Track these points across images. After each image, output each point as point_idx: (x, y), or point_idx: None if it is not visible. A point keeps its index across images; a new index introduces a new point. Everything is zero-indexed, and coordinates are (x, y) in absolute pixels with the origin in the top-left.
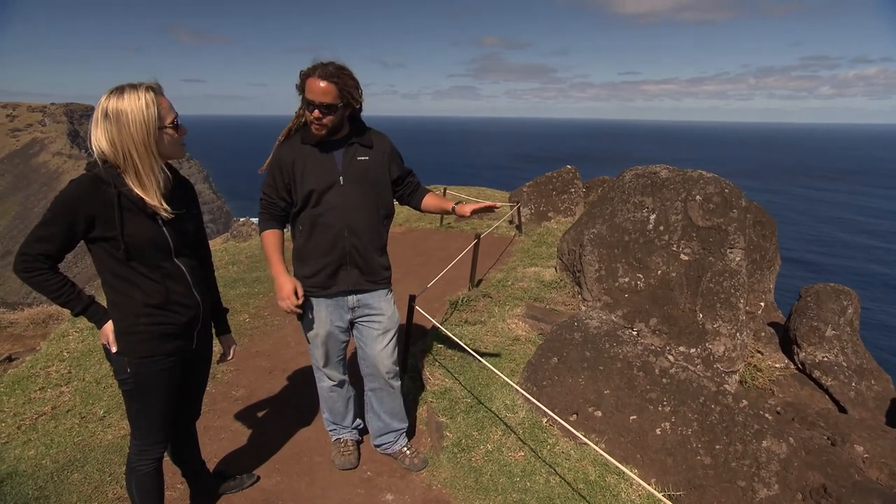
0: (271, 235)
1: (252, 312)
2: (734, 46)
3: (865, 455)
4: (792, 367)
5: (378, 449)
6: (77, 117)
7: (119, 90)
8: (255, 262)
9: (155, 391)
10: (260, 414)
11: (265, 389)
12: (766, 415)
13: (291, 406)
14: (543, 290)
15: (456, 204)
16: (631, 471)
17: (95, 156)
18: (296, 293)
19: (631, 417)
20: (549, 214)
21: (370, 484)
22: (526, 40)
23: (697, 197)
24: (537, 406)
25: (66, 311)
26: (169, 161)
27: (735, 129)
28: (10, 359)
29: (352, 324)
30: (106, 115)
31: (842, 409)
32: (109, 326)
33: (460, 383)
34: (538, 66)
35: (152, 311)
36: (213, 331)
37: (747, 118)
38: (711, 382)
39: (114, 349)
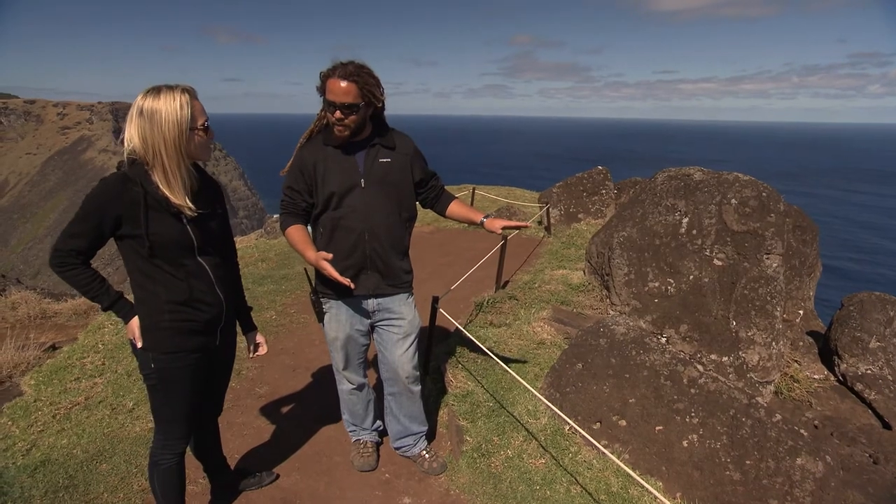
0: (296, 230)
1: (279, 310)
2: (776, 44)
3: None
4: (832, 378)
5: (397, 451)
6: (122, 115)
7: (156, 90)
8: (284, 259)
9: (178, 386)
10: (282, 412)
11: (288, 387)
12: (802, 430)
13: (314, 405)
14: (571, 294)
15: (485, 217)
16: (655, 483)
17: (126, 152)
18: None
19: (657, 428)
20: (579, 216)
21: (388, 486)
22: (559, 39)
23: (733, 200)
24: (559, 414)
25: None
26: (196, 161)
27: (776, 130)
28: (53, 347)
29: (372, 327)
30: (141, 112)
31: (886, 426)
32: (135, 322)
33: (483, 387)
34: (571, 65)
35: (175, 308)
36: (239, 328)
37: (790, 118)
38: (743, 394)
39: (139, 344)
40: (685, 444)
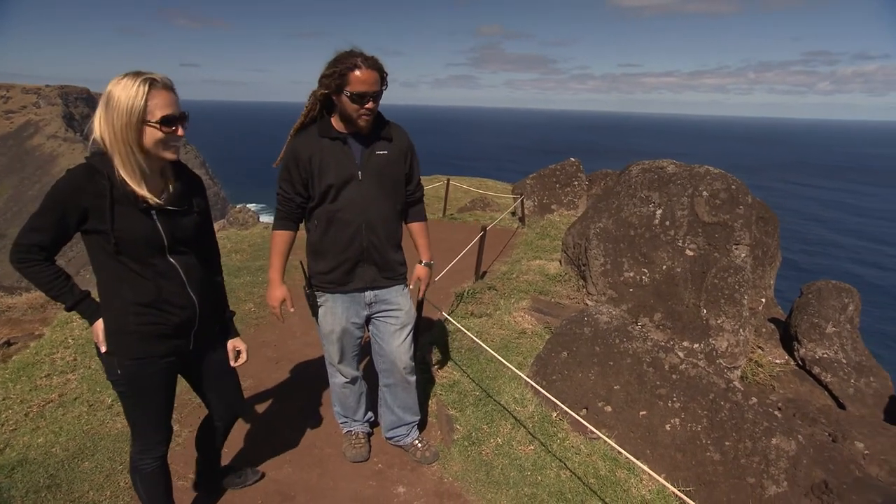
0: (282, 237)
1: (257, 302)
2: (735, 40)
3: (866, 452)
4: (792, 363)
5: (389, 441)
6: (72, 100)
7: (123, 75)
8: (257, 250)
9: (148, 392)
10: (269, 405)
11: (273, 380)
12: (776, 412)
13: (300, 397)
14: (548, 284)
15: (423, 263)
16: (641, 465)
17: (90, 140)
18: (282, 305)
19: (641, 413)
20: (552, 207)
21: (382, 476)
22: (525, 30)
23: (704, 193)
24: (552, 401)
25: None
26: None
27: (734, 124)
28: (8, 343)
29: (367, 319)
30: (104, 97)
31: (841, 406)
32: (100, 325)
33: (468, 376)
34: (538, 57)
35: (142, 310)
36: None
37: (747, 113)
38: (721, 379)
39: (103, 348)
40: (668, 427)
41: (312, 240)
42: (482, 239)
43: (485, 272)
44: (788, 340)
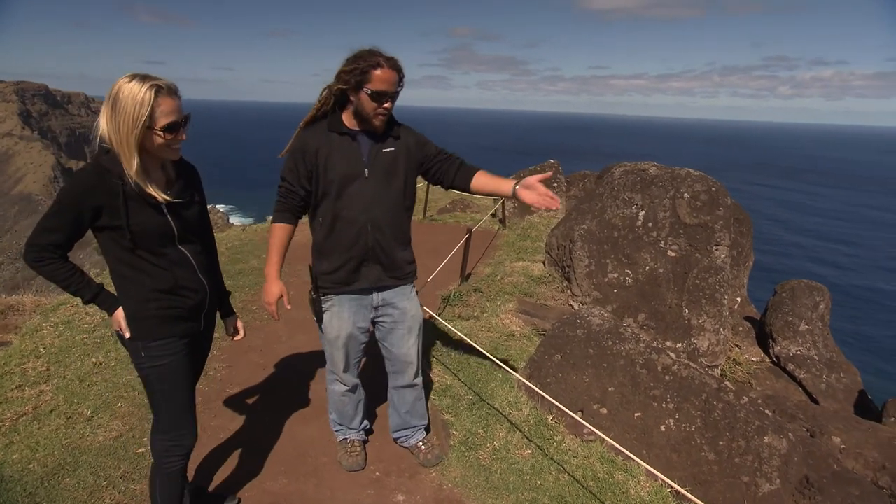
0: (281, 230)
1: (240, 307)
2: (700, 44)
3: (842, 446)
4: (767, 360)
5: (395, 441)
6: (29, 97)
7: (130, 78)
8: (235, 253)
9: (173, 374)
10: (258, 412)
11: (260, 387)
12: (767, 410)
13: (290, 403)
14: (533, 285)
15: (516, 186)
16: (637, 467)
17: (98, 139)
18: (280, 302)
19: (636, 414)
20: (532, 208)
21: (379, 484)
22: (497, 32)
23: (685, 194)
24: (547, 405)
25: (29, 303)
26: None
27: (701, 126)
28: None
29: (373, 323)
30: (109, 98)
31: (814, 401)
32: (120, 313)
33: (460, 380)
34: (509, 58)
35: (161, 296)
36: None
37: (712, 115)
38: (713, 379)
39: (127, 335)
40: (663, 428)
41: (317, 239)
42: (468, 241)
43: (469, 274)
44: (763, 338)
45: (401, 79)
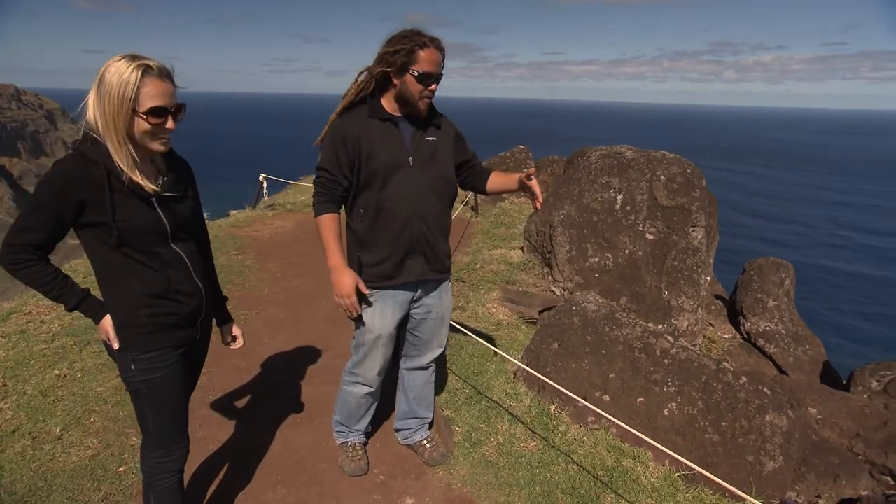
0: (331, 220)
1: None
2: (651, 30)
3: (819, 416)
4: (738, 337)
5: (398, 435)
6: None
7: (120, 57)
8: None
9: (165, 388)
10: (247, 420)
11: (245, 392)
12: (765, 389)
13: (279, 408)
14: (513, 273)
15: (525, 176)
16: (645, 453)
17: (83, 126)
18: (358, 293)
19: (638, 400)
20: (503, 195)
21: (386, 488)
22: (453, 18)
23: (662, 177)
24: (548, 395)
25: None
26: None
27: (652, 110)
28: None
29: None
30: (96, 78)
31: (783, 374)
32: (108, 321)
33: (454, 373)
34: (464, 45)
35: (153, 302)
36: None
37: (663, 99)
38: (711, 361)
39: (115, 346)
40: (666, 412)
41: (359, 231)
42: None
43: None
44: (734, 316)
45: (444, 59)
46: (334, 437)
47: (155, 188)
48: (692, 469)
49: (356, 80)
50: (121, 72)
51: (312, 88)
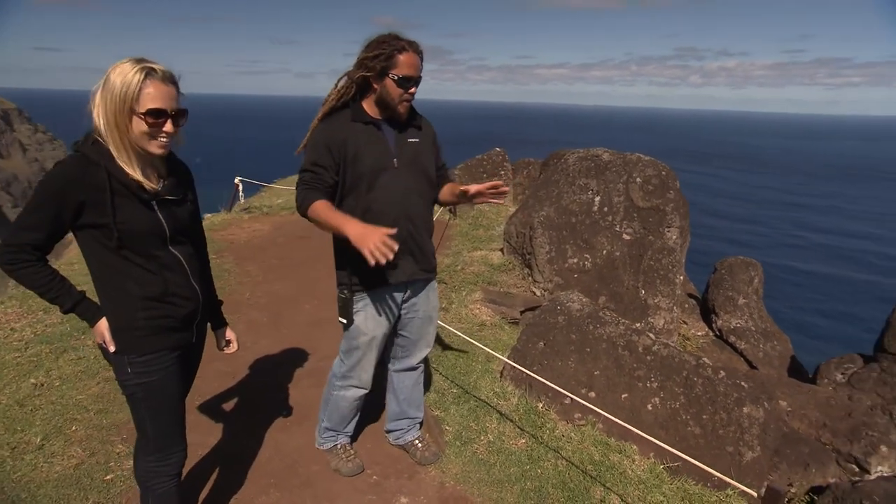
0: (325, 203)
1: None
2: (618, 35)
3: (789, 409)
4: (711, 334)
5: (389, 436)
6: None
7: (126, 60)
8: None
9: (162, 391)
10: (235, 424)
11: (231, 396)
12: (743, 382)
13: (267, 412)
14: (494, 274)
15: (464, 189)
16: (630, 447)
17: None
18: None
19: (622, 396)
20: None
21: (380, 488)
22: (422, 21)
23: (638, 179)
24: (535, 392)
25: None
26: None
27: (621, 114)
28: None
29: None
30: (102, 80)
31: (753, 368)
32: (104, 324)
33: (441, 374)
34: (435, 48)
35: (150, 304)
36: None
37: (632, 103)
38: (691, 357)
39: (112, 349)
40: (649, 407)
41: None
42: None
43: None
44: (707, 313)
45: (422, 62)
46: (319, 444)
47: (155, 188)
48: (676, 461)
49: (336, 85)
50: (125, 72)
51: (281, 90)
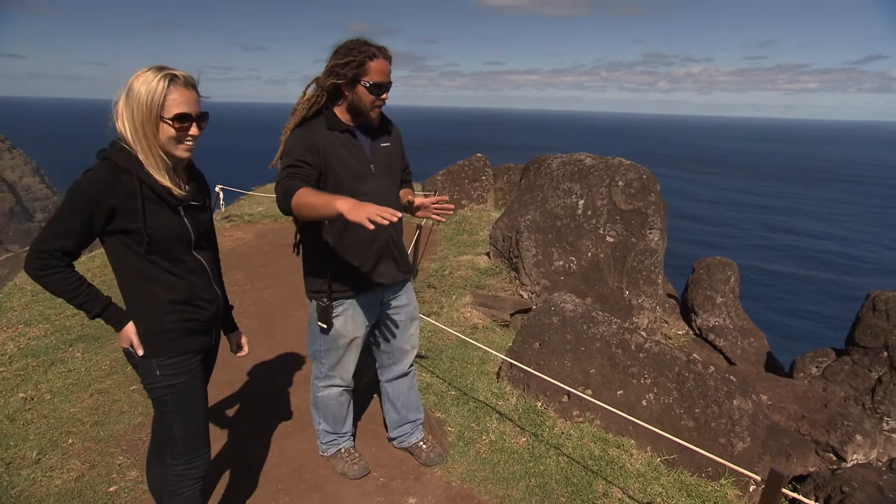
0: (310, 190)
1: None
2: (588, 41)
3: (769, 402)
4: (691, 333)
5: (393, 443)
6: None
7: (147, 69)
8: None
9: (190, 393)
10: (239, 431)
11: (233, 403)
12: (731, 377)
13: (269, 418)
14: (482, 278)
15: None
16: (628, 442)
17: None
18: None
19: (618, 393)
20: (463, 202)
21: (387, 490)
22: (394, 27)
23: (620, 183)
24: (533, 392)
25: None
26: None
27: (592, 119)
28: None
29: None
30: (126, 90)
31: (732, 364)
32: (131, 328)
33: (438, 376)
34: (407, 54)
35: (178, 308)
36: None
37: (603, 108)
38: (682, 353)
39: (140, 352)
40: (644, 403)
41: (329, 241)
42: (418, 237)
43: (416, 271)
44: (686, 312)
45: (391, 66)
46: (322, 451)
47: (182, 194)
48: (673, 454)
49: (304, 93)
50: (149, 81)
51: (252, 97)
